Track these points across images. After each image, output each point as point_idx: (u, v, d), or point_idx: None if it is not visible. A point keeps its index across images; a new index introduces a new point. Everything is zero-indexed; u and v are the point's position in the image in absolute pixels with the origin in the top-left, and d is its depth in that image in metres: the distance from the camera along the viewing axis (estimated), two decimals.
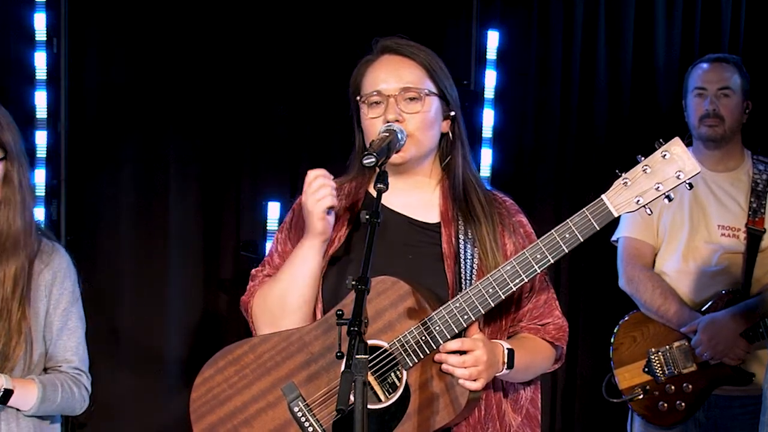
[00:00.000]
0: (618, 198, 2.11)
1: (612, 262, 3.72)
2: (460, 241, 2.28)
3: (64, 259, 2.70)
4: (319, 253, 2.27)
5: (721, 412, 3.48)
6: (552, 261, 2.14)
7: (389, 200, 2.27)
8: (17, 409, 2.57)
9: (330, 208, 2.24)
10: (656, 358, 3.50)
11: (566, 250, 2.13)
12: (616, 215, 2.11)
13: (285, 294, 2.30)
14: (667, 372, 3.49)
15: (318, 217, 2.22)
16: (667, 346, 3.50)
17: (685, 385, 3.47)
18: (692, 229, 3.55)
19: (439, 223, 2.33)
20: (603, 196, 2.12)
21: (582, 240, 2.13)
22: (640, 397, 3.51)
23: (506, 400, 2.33)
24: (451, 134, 2.38)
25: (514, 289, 2.15)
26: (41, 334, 2.63)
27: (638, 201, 2.10)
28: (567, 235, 2.13)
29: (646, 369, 3.51)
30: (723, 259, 3.53)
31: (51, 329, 2.65)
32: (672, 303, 3.50)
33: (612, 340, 3.61)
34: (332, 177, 2.26)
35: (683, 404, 3.47)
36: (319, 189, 2.20)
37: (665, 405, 3.49)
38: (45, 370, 2.66)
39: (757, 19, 4.56)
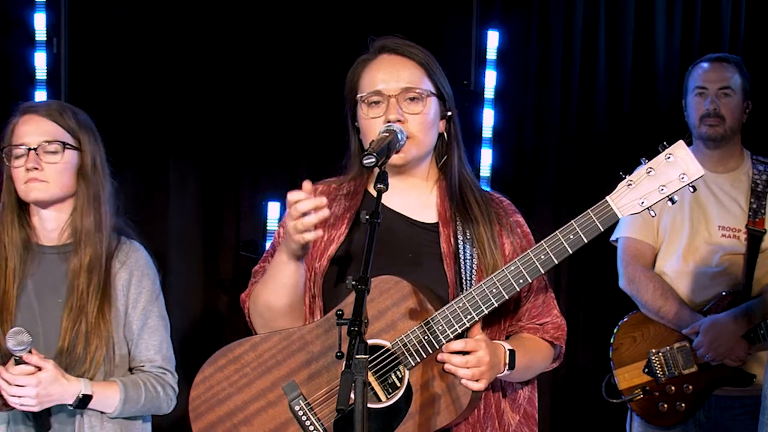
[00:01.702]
0: (622, 199, 2.12)
1: (612, 262, 3.72)
2: (459, 241, 2.29)
3: (142, 257, 2.75)
4: (298, 269, 2.26)
5: (722, 412, 3.48)
6: (556, 262, 2.14)
7: (387, 200, 2.27)
8: (101, 412, 2.60)
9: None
10: (657, 359, 3.50)
11: (570, 251, 2.14)
12: (620, 216, 2.12)
13: (270, 303, 2.32)
14: (667, 373, 3.49)
15: (298, 246, 2.19)
16: (668, 347, 3.50)
17: (685, 385, 3.47)
18: (693, 230, 3.56)
19: (437, 223, 2.33)
20: (607, 198, 2.13)
21: (586, 241, 2.14)
22: (640, 397, 3.52)
23: (504, 400, 2.34)
24: (446, 135, 2.38)
25: (518, 289, 2.16)
26: (122, 336, 2.67)
27: (642, 203, 2.11)
28: (571, 237, 2.13)
29: (647, 369, 3.51)
30: (723, 259, 3.53)
31: (131, 329, 2.69)
32: (672, 304, 3.50)
33: (612, 340, 3.62)
34: (314, 201, 2.13)
35: (683, 405, 3.47)
36: (302, 218, 2.13)
37: (665, 405, 3.49)
38: (130, 370, 2.70)
39: (757, 19, 4.56)
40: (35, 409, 2.49)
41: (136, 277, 2.71)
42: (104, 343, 2.61)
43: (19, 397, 2.46)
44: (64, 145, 2.64)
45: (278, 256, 2.26)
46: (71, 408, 2.55)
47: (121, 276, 2.69)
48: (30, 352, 2.46)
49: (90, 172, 2.69)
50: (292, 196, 2.13)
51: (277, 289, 2.29)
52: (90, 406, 2.56)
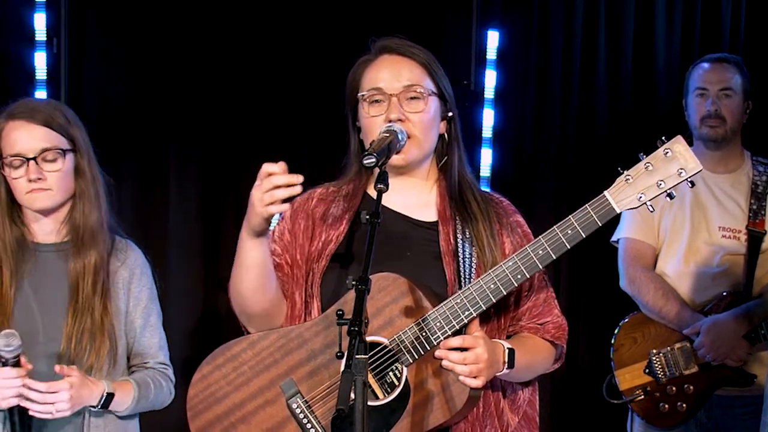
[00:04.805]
0: (620, 194, 2.11)
1: (612, 262, 3.71)
2: (458, 239, 2.29)
3: (140, 255, 2.75)
4: (259, 246, 2.22)
5: (723, 412, 3.47)
6: (554, 257, 2.14)
7: (387, 199, 2.26)
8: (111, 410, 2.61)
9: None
10: (657, 360, 3.49)
11: (568, 246, 2.13)
12: (618, 211, 2.12)
13: (237, 285, 2.29)
14: (668, 373, 3.48)
15: (260, 219, 2.16)
16: (669, 348, 3.50)
17: (686, 386, 3.46)
18: (693, 231, 3.55)
19: (437, 221, 2.33)
20: (605, 192, 2.12)
21: (584, 236, 2.13)
22: (641, 398, 3.51)
23: (504, 400, 2.33)
24: (447, 135, 2.38)
25: (516, 284, 2.15)
26: (123, 332, 2.67)
27: (640, 198, 2.10)
28: (569, 231, 2.13)
29: (647, 370, 3.51)
30: (724, 260, 3.52)
31: (133, 327, 2.69)
32: (674, 304, 3.49)
33: (612, 341, 3.61)
34: (288, 177, 2.12)
35: (684, 405, 3.46)
36: (270, 191, 2.11)
37: (666, 406, 3.48)
38: (130, 368, 2.70)
39: (757, 19, 4.55)
40: (67, 414, 2.49)
41: (136, 275, 2.71)
42: (107, 338, 2.60)
43: (53, 403, 2.44)
44: (64, 151, 2.61)
45: (240, 235, 2.23)
46: (93, 408, 2.56)
47: (121, 274, 2.68)
48: (18, 357, 2.44)
49: (87, 170, 2.66)
50: (267, 167, 2.12)
51: (242, 270, 2.27)
52: (110, 407, 2.57)
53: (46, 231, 2.67)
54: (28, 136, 2.58)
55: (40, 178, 2.57)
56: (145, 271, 2.74)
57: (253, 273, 2.26)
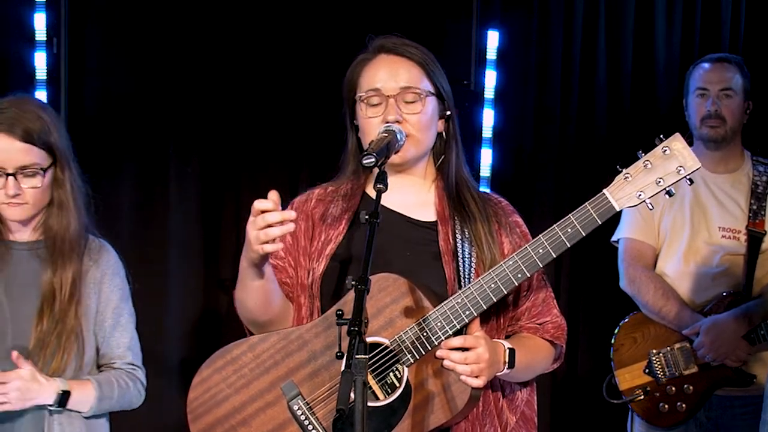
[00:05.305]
0: (619, 192, 2.12)
1: (612, 262, 3.71)
2: (458, 239, 2.29)
3: (112, 256, 2.72)
4: (261, 274, 2.21)
5: (722, 412, 3.48)
6: (554, 256, 2.14)
7: (385, 199, 2.25)
8: (77, 411, 2.58)
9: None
10: (657, 360, 3.49)
11: (568, 245, 2.13)
12: (617, 209, 2.12)
13: (243, 300, 2.31)
14: (668, 373, 3.48)
15: (257, 256, 2.14)
16: (669, 348, 3.50)
17: (686, 386, 3.46)
18: (693, 231, 3.55)
19: (436, 221, 2.33)
20: (605, 191, 2.13)
21: (584, 234, 2.13)
22: (641, 398, 3.51)
23: (503, 399, 2.33)
24: (445, 134, 2.38)
25: (516, 284, 2.15)
26: (92, 332, 2.65)
27: (639, 195, 2.11)
28: (569, 230, 2.13)
29: (647, 370, 3.51)
30: (724, 260, 3.52)
31: (103, 327, 2.67)
32: (673, 304, 3.49)
33: (612, 341, 3.61)
34: (281, 214, 2.07)
35: (684, 405, 3.46)
36: (265, 230, 2.08)
37: (666, 406, 3.48)
38: (99, 368, 2.68)
39: (757, 19, 4.55)
40: (17, 407, 2.47)
41: (108, 276, 2.68)
42: (75, 339, 2.59)
43: (4, 393, 2.44)
44: (44, 169, 2.57)
45: (241, 262, 2.23)
46: (50, 408, 2.54)
47: (93, 274, 2.66)
48: None
49: (66, 180, 2.62)
50: (259, 204, 2.09)
51: (245, 291, 2.28)
52: (68, 405, 2.54)
53: (21, 231, 2.65)
54: (8, 150, 2.53)
55: (18, 194, 2.54)
56: (118, 271, 2.71)
57: (256, 294, 2.27)
